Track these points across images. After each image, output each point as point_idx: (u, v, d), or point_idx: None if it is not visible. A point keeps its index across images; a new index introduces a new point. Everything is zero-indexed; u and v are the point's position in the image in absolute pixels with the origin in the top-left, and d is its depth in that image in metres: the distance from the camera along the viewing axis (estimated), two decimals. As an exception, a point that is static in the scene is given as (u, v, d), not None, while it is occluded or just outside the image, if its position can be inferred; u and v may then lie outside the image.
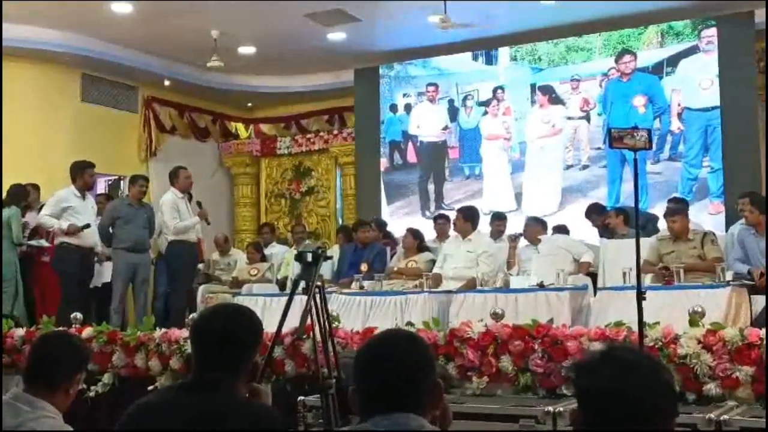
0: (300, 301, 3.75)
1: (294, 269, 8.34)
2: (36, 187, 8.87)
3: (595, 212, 8.41)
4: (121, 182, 10.50)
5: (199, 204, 8.22)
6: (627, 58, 9.47)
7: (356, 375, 1.98)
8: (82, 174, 7.66)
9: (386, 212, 10.56)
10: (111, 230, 7.84)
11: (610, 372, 1.66)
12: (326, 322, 3.49)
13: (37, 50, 9.38)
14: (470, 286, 7.08)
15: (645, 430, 1.63)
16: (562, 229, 8.22)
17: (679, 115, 9.18)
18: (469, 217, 7.65)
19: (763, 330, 4.15)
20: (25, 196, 8.54)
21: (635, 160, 4.23)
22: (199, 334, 2.29)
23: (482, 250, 7.39)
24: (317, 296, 3.44)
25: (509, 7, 8.91)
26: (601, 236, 8.11)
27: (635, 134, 4.05)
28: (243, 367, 2.26)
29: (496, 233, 8.46)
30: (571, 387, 1.79)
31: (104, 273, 8.16)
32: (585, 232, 8.44)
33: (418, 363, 1.95)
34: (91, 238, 7.69)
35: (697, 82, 9.09)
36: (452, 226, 7.92)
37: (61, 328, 5.76)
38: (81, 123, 10.11)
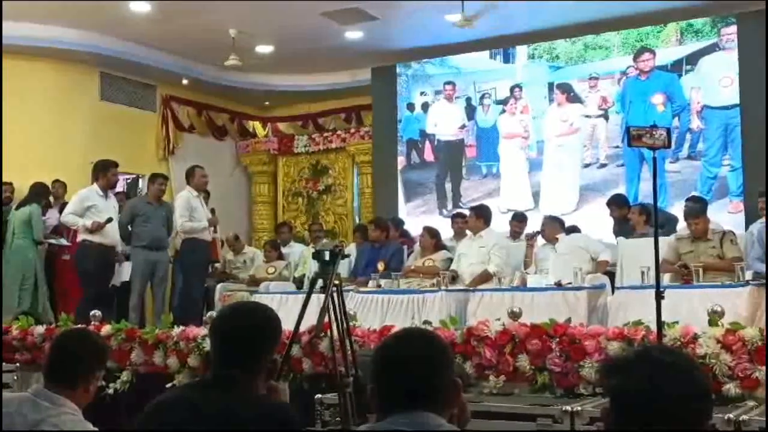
0: (317, 299, 3.76)
1: (311, 267, 8.36)
2: (63, 184, 8.94)
3: (616, 203, 8.30)
4: (140, 181, 10.57)
5: (212, 211, 8.28)
6: (646, 56, 9.41)
7: (374, 374, 1.98)
8: (105, 173, 7.69)
9: (404, 211, 10.56)
10: (130, 228, 7.89)
11: (646, 372, 1.64)
12: (344, 321, 3.49)
13: (56, 49, 9.45)
14: (484, 279, 7.08)
15: (678, 430, 1.62)
16: (574, 230, 8.15)
17: (699, 113, 9.11)
18: (481, 214, 7.66)
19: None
20: (46, 194, 8.61)
21: (654, 159, 4.20)
22: (219, 332, 2.30)
23: (492, 243, 7.41)
24: (335, 295, 3.44)
25: (527, 5, 8.88)
26: (616, 231, 8.06)
27: (654, 133, 4.02)
28: (261, 365, 2.26)
29: (515, 234, 8.43)
30: (604, 384, 1.77)
31: (123, 272, 8.21)
32: (603, 230, 8.39)
33: (436, 361, 1.95)
34: (113, 236, 7.73)
35: (717, 80, 9.02)
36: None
37: (79, 326, 5.80)
38: (99, 122, 10.18)
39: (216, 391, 2.18)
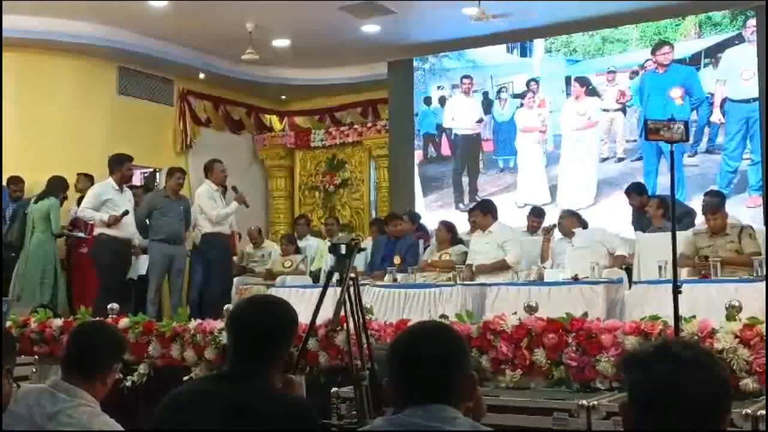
0: (334, 292, 3.76)
1: (328, 261, 8.38)
2: (89, 178, 8.96)
3: (636, 191, 8.26)
4: (157, 174, 10.62)
5: (234, 189, 8.28)
6: (665, 49, 9.35)
7: (390, 366, 1.99)
8: (120, 167, 7.73)
9: (421, 205, 10.55)
10: (147, 222, 7.93)
11: (667, 367, 1.63)
12: (360, 314, 3.50)
13: (74, 44, 9.50)
14: (499, 267, 7.06)
15: (699, 426, 1.61)
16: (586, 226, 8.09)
17: (721, 106, 9.04)
18: (486, 210, 7.65)
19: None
20: (64, 188, 8.67)
21: (671, 152, 4.17)
22: (236, 325, 2.31)
23: (503, 239, 7.41)
24: (351, 288, 3.44)
25: (544, -2, 8.84)
26: (634, 221, 8.02)
27: (672, 126, 4.00)
28: (278, 358, 2.27)
29: (532, 228, 8.41)
30: (623, 378, 1.75)
31: (140, 266, 8.26)
32: (620, 225, 8.34)
33: (452, 354, 1.95)
34: (129, 229, 7.78)
35: (739, 73, 8.95)
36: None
37: (97, 319, 5.84)
38: (117, 116, 10.22)
39: (233, 384, 2.19)
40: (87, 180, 8.96)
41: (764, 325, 4.14)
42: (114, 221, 7.51)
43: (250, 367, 2.22)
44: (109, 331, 2.79)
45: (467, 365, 2.00)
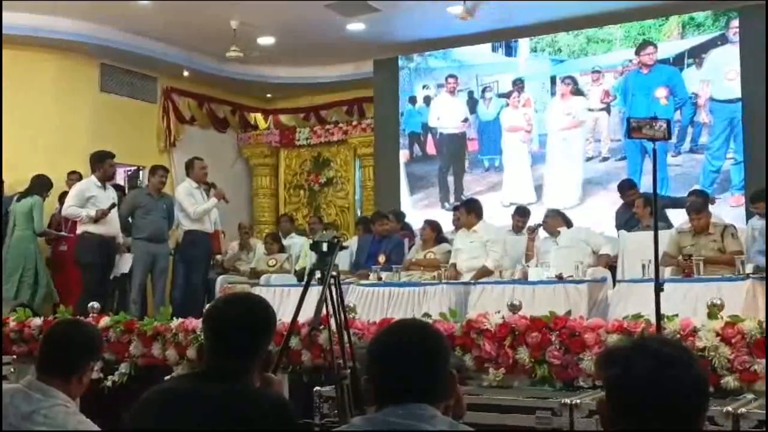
0: (316, 290, 3.74)
1: (311, 260, 8.35)
2: (78, 175, 8.83)
3: (627, 187, 8.33)
4: (141, 172, 10.55)
5: (213, 185, 8.25)
6: (649, 49, 9.38)
7: (369, 365, 1.97)
8: (102, 164, 7.68)
9: (407, 204, 10.54)
10: (130, 220, 7.89)
11: (644, 363, 1.61)
12: (342, 313, 3.48)
13: (55, 40, 9.41)
14: (483, 274, 7.07)
15: (675, 423, 1.60)
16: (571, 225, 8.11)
17: (703, 106, 9.07)
18: (471, 209, 7.64)
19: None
20: (48, 186, 8.59)
21: (654, 150, 4.18)
22: (212, 323, 2.28)
23: (487, 239, 7.40)
24: (333, 286, 3.42)
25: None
26: (618, 222, 8.06)
27: (654, 124, 4.00)
28: (256, 356, 2.25)
29: (517, 227, 8.42)
30: (601, 375, 1.74)
31: (123, 264, 8.19)
32: (606, 224, 8.37)
33: (431, 353, 1.94)
34: (114, 227, 7.73)
35: (723, 73, 8.99)
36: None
37: (73, 317, 5.77)
38: (100, 113, 10.14)
39: (211, 383, 2.17)
40: (77, 178, 8.86)
41: (746, 322, 4.15)
42: (102, 215, 7.46)
43: (228, 365, 2.19)
44: (84, 330, 2.74)
45: (447, 364, 1.98)
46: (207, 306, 5.57)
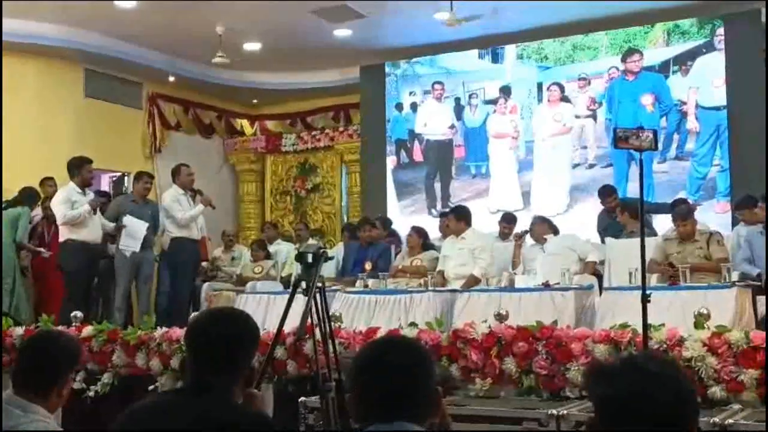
0: (302, 300, 3.70)
1: (297, 267, 8.31)
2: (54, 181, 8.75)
3: (607, 194, 8.36)
4: (125, 179, 10.47)
5: (199, 192, 8.21)
6: (635, 56, 9.40)
7: (353, 381, 1.95)
8: (80, 170, 7.61)
9: (394, 210, 10.52)
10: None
11: (632, 380, 1.61)
12: (326, 324, 3.45)
13: (39, 45, 9.33)
14: (471, 283, 7.06)
15: None
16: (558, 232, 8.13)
17: (687, 113, 9.10)
18: (461, 216, 7.63)
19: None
20: (37, 199, 8.51)
21: (641, 161, 4.17)
22: (194, 339, 2.25)
23: (475, 246, 7.38)
24: (318, 297, 3.39)
25: (516, 4, 8.85)
26: (600, 228, 8.08)
27: (640, 135, 3.99)
28: (238, 372, 2.22)
29: (504, 234, 8.41)
30: (590, 393, 1.73)
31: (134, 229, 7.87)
32: (592, 231, 8.38)
33: (416, 370, 1.91)
34: (96, 232, 7.66)
35: (710, 81, 9.02)
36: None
37: (55, 328, 5.70)
38: (84, 119, 10.07)
39: (193, 399, 2.14)
40: (52, 185, 8.78)
41: (733, 333, 4.15)
42: (95, 204, 7.48)
43: (210, 380, 2.16)
44: (61, 342, 2.67)
45: (432, 381, 1.95)
46: (191, 316, 5.56)
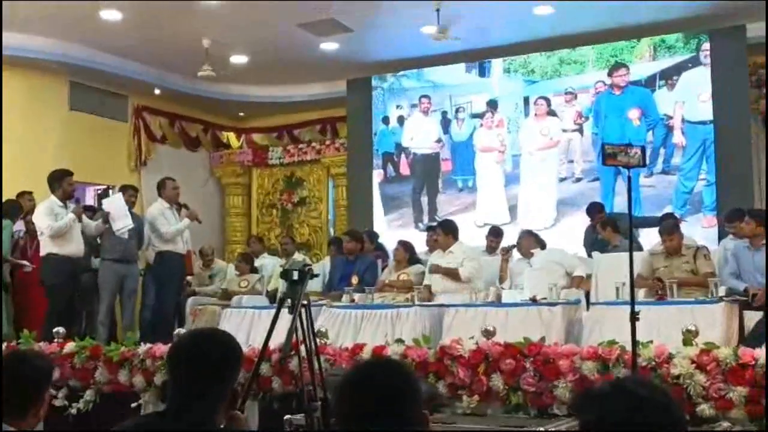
0: (288, 316, 3.66)
1: (283, 284, 8.26)
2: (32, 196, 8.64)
3: (596, 211, 8.42)
4: (110, 192, 10.38)
5: (185, 206, 8.14)
6: (621, 71, 9.43)
7: (340, 404, 1.91)
8: (61, 183, 7.52)
9: (381, 224, 10.48)
10: (98, 240, 7.75)
11: (621, 406, 1.59)
12: (312, 343, 3.40)
13: (24, 58, 9.23)
14: (453, 276, 7.08)
15: None
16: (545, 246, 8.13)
17: (673, 128, 9.13)
18: (449, 230, 7.60)
19: (759, 349, 4.09)
20: (18, 214, 8.41)
21: (629, 177, 4.15)
22: (175, 362, 2.21)
23: (462, 258, 7.35)
24: (303, 315, 3.35)
25: (502, 18, 8.86)
26: (587, 244, 8.09)
27: (629, 151, 3.98)
28: (221, 394, 2.18)
29: (491, 248, 8.39)
30: (578, 418, 1.71)
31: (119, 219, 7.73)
32: (579, 245, 8.39)
33: (402, 395, 1.87)
34: (78, 246, 7.57)
35: (696, 95, 9.06)
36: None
37: (30, 347, 5.60)
38: (69, 132, 9.99)
39: (175, 422, 2.09)
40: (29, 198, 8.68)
41: (721, 350, 4.13)
42: (79, 211, 7.43)
43: (192, 403, 2.11)
44: (34, 364, 2.56)
45: (419, 404, 1.91)
46: (175, 332, 5.51)
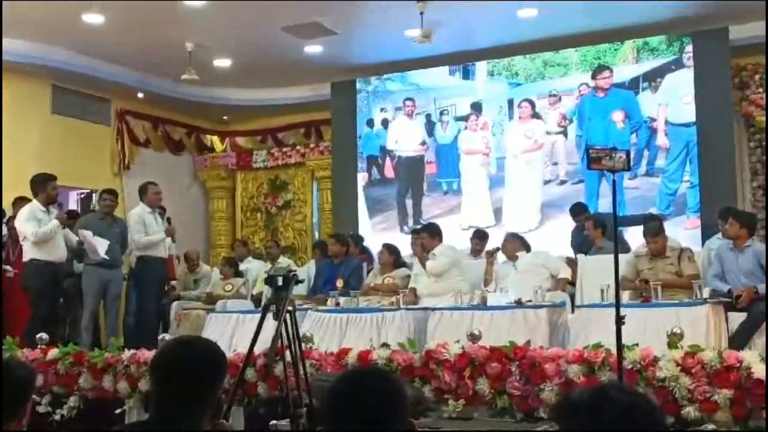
0: (273, 321, 3.64)
1: (267, 292, 8.23)
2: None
3: (578, 211, 8.45)
4: (93, 196, 10.33)
5: (168, 220, 8.11)
6: (605, 73, 9.46)
7: (326, 413, 1.89)
8: (44, 187, 7.45)
9: (366, 227, 10.47)
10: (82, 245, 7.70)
11: (604, 413, 1.58)
12: (297, 349, 3.38)
13: (5, 61, 9.12)
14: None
15: None
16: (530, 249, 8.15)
17: (658, 130, 9.17)
18: (434, 233, 7.61)
19: (742, 352, 4.11)
20: (2, 218, 8.33)
21: (614, 181, 4.15)
22: (158, 371, 2.18)
23: (449, 262, 7.37)
24: (288, 321, 3.33)
25: (486, 21, 8.88)
26: (573, 244, 8.11)
27: (614, 155, 3.98)
28: (205, 403, 2.15)
29: (476, 251, 8.39)
30: (561, 426, 1.70)
31: (99, 247, 7.68)
32: (564, 247, 8.40)
33: (389, 405, 1.86)
34: (61, 251, 7.52)
35: (680, 97, 9.10)
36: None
37: (10, 355, 5.54)
38: (51, 135, 9.92)
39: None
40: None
41: (706, 353, 4.14)
42: (63, 218, 7.40)
43: (175, 414, 2.09)
44: (15, 375, 2.52)
45: (406, 412, 1.90)
46: (160, 337, 5.47)
